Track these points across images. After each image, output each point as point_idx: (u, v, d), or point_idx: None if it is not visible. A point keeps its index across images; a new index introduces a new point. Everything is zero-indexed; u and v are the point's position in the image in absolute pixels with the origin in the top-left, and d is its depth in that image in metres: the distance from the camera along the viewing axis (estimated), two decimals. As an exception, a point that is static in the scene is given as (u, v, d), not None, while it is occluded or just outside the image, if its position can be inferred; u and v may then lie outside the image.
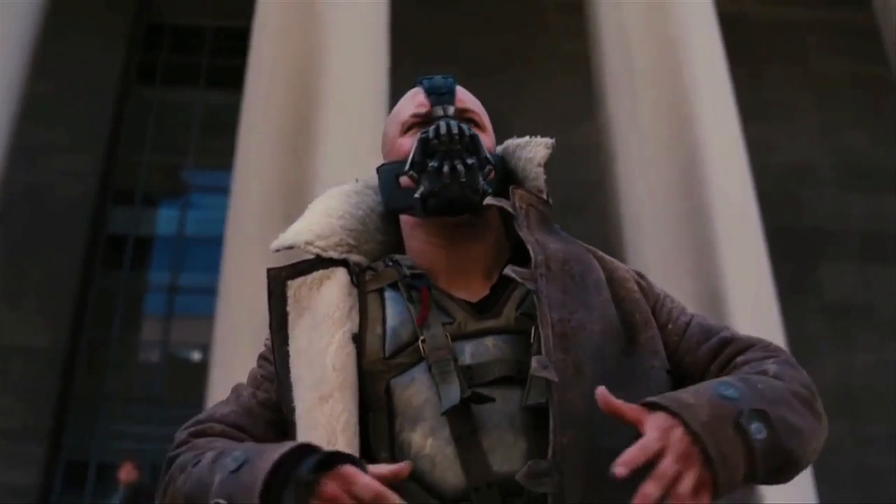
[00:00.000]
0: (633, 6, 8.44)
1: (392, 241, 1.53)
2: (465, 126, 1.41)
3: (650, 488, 1.04)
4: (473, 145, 1.39)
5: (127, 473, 8.87)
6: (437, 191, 1.36)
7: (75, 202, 12.88)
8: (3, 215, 10.29)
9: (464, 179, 1.35)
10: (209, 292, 8.38)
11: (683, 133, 7.59)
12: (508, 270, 1.31)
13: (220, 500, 1.14)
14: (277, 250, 1.47)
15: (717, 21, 8.64)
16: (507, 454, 1.20)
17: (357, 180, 1.62)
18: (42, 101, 11.14)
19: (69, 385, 12.40)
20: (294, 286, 1.40)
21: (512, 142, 1.57)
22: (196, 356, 13.44)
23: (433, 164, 1.36)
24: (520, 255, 1.41)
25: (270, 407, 1.38)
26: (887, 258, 13.40)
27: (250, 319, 5.68)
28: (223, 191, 8.90)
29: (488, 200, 1.39)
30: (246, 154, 7.20)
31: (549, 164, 1.50)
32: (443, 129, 1.38)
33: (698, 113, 7.72)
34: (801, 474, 1.28)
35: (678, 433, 1.08)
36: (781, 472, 1.20)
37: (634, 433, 1.09)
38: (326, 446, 1.19)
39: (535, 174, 1.49)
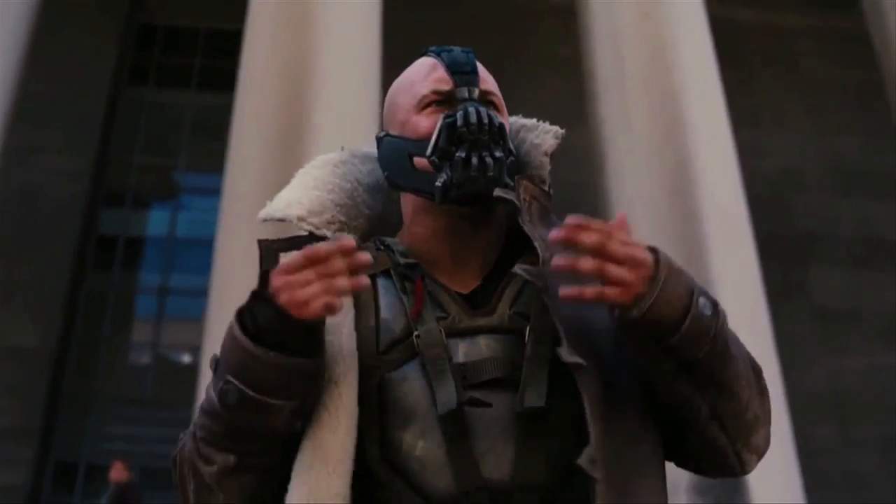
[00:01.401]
0: (624, 11, 8.47)
1: (377, 216, 1.48)
2: (493, 114, 1.33)
3: (587, 262, 1.11)
4: (501, 136, 1.32)
5: (118, 473, 8.86)
6: (462, 182, 1.29)
7: (66, 203, 12.85)
8: (-7, 215, 10.27)
9: (492, 173, 1.29)
10: (200, 294, 8.37)
11: (674, 137, 7.62)
12: (518, 269, 1.26)
13: (231, 382, 1.17)
14: (266, 220, 1.41)
15: (709, 26, 8.67)
16: (497, 461, 1.18)
17: (343, 149, 1.54)
18: (34, 102, 11.10)
19: (59, 386, 12.37)
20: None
21: (517, 120, 1.51)
22: (186, 358, 13.41)
23: (460, 154, 1.29)
24: (513, 244, 1.38)
25: None
26: (877, 263, 13.46)
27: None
28: (214, 192, 8.88)
29: (497, 192, 1.32)
30: (237, 156, 7.19)
31: (554, 155, 1.44)
32: (472, 118, 1.30)
33: (689, 117, 7.75)
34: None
35: (647, 255, 1.14)
36: (693, 369, 1.18)
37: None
38: (330, 426, 1.20)
39: (541, 163, 1.43)
